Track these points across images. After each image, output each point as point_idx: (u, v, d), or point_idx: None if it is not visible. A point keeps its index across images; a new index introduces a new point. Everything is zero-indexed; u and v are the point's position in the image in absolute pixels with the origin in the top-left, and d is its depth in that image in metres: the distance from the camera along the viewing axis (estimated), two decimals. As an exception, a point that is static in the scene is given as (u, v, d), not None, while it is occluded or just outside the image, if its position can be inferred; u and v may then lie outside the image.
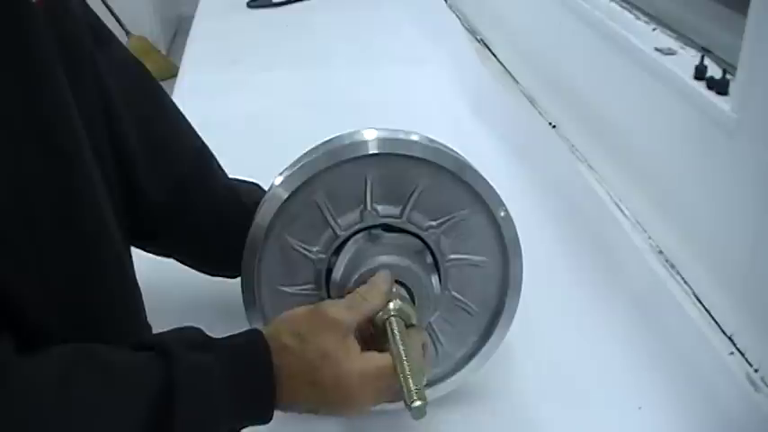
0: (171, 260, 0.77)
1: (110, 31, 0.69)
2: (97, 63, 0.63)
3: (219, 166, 0.78)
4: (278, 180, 0.64)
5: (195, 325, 0.58)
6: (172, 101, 0.76)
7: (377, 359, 0.58)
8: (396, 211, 0.64)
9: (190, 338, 0.55)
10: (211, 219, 0.74)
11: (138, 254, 0.74)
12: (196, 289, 0.81)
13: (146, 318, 0.66)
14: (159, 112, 0.74)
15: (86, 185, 0.55)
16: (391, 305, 0.61)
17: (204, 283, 0.79)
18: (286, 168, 0.65)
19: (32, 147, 0.50)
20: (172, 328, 0.58)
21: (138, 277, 0.65)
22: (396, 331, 0.59)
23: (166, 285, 0.81)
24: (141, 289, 0.65)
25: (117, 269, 0.59)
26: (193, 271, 0.78)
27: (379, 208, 0.63)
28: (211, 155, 0.77)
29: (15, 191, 0.48)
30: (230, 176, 0.79)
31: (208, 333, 0.57)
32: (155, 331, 0.67)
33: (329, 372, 0.56)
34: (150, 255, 0.77)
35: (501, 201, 0.64)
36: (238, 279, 0.67)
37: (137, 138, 0.68)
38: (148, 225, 0.71)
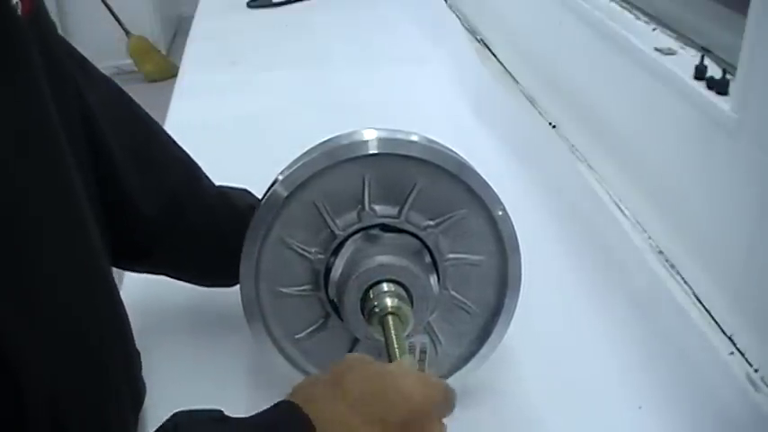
0: (161, 279, 0.76)
1: (75, 49, 0.67)
2: (77, 78, 0.62)
3: (206, 174, 0.77)
4: (277, 180, 0.64)
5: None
6: (148, 114, 0.74)
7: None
8: (394, 211, 0.64)
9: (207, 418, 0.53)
10: (208, 227, 0.73)
11: (128, 276, 0.73)
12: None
13: (134, 344, 0.63)
14: (142, 126, 0.72)
15: (74, 201, 0.53)
16: (389, 302, 0.61)
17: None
18: (285, 168, 0.65)
19: (20, 162, 0.48)
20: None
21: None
22: (391, 329, 0.60)
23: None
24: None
25: (105, 290, 0.57)
26: (185, 285, 0.77)
27: (377, 208, 0.63)
28: (197, 164, 0.76)
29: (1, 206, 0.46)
30: (218, 184, 0.77)
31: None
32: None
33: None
34: (139, 275, 0.76)
35: (498, 199, 0.64)
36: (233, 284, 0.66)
37: (122, 152, 0.67)
38: (143, 241, 0.70)
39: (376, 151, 0.62)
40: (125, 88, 0.71)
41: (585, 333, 0.80)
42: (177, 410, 0.51)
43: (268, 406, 0.53)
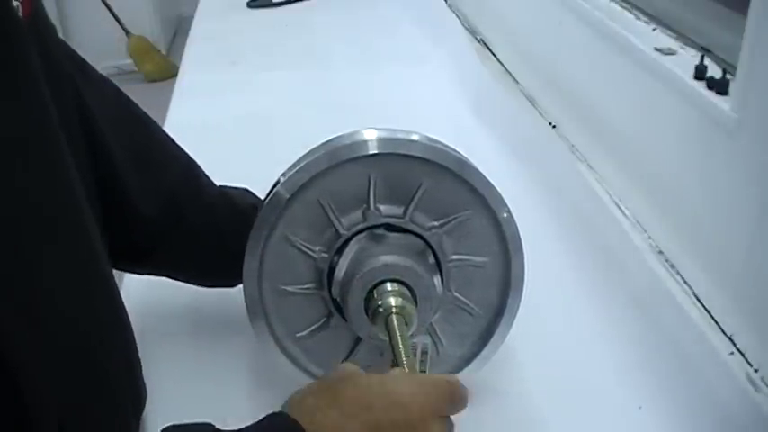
0: (161, 280, 0.76)
1: (74, 51, 0.67)
2: (76, 80, 0.62)
3: (206, 174, 0.77)
4: (280, 180, 0.64)
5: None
6: (147, 114, 0.74)
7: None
8: (399, 211, 0.64)
9: None
10: (208, 227, 0.73)
11: (129, 277, 0.72)
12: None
13: (136, 347, 0.62)
14: (141, 126, 0.72)
15: (73, 202, 0.53)
16: (393, 302, 0.61)
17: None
18: (288, 168, 0.65)
19: (20, 163, 0.48)
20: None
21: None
22: (396, 328, 0.60)
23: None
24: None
25: (105, 292, 0.57)
26: (185, 286, 0.77)
27: (382, 208, 0.64)
28: (197, 164, 0.76)
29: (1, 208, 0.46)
30: (218, 184, 0.77)
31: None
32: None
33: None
34: (140, 276, 0.75)
35: (503, 201, 0.65)
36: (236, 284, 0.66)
37: (121, 153, 0.66)
38: (143, 242, 0.70)
39: (377, 151, 0.62)
40: (125, 88, 0.71)
41: (586, 333, 0.80)
42: (167, 425, 0.52)
43: (269, 408, 0.54)
